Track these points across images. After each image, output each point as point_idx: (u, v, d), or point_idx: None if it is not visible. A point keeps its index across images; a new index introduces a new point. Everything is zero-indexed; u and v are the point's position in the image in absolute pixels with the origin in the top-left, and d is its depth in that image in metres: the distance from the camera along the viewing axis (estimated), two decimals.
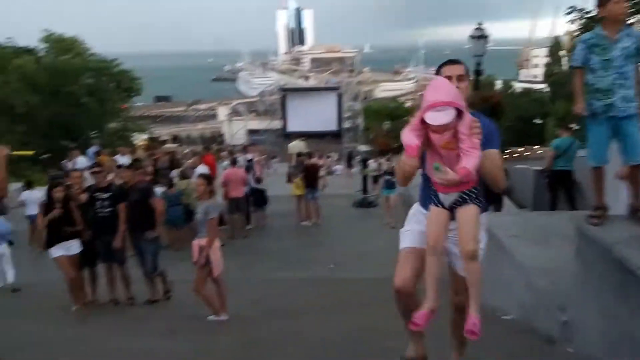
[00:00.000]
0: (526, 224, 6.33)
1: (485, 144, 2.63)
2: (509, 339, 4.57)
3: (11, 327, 5.09)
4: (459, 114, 2.42)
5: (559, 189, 9.30)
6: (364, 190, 15.16)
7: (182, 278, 5.55)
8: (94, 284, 6.67)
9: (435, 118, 2.34)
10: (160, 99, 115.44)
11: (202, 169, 10.93)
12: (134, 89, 36.86)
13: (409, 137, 2.49)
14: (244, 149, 13.43)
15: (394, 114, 57.12)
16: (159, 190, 9.38)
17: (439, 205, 2.61)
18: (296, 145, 14.00)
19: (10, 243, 7.79)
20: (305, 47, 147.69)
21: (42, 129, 28.44)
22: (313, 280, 7.95)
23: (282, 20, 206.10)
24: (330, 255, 8.91)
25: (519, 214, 8.31)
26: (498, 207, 8.97)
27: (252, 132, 62.74)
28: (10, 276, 7.66)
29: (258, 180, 11.59)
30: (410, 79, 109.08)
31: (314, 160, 12.12)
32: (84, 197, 6.33)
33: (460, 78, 2.89)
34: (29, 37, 32.79)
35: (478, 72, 12.54)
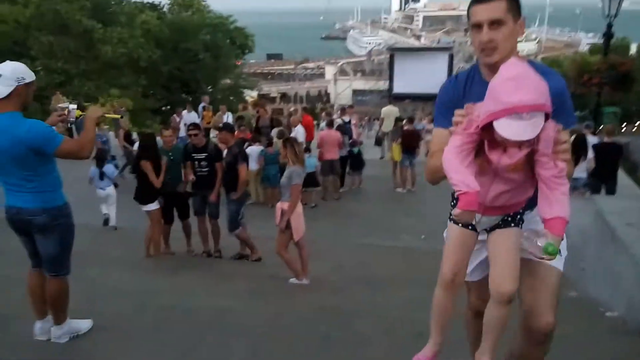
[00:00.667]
0: None
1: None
2: (611, 340, 4.10)
3: (104, 274, 5.47)
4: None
5: None
6: None
7: (273, 235, 5.62)
8: (188, 237, 7.02)
9: (518, 131, 1.57)
10: (271, 56, 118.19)
11: (300, 129, 11.00)
12: (247, 46, 38.11)
13: (462, 168, 1.73)
14: (342, 110, 13.25)
15: None
16: (257, 149, 9.59)
17: (468, 226, 1.97)
18: (390, 110, 13.52)
19: (116, 185, 8.41)
20: (419, 5, 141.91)
21: (162, 82, 30.51)
22: (402, 249, 7.75)
23: None
24: (423, 224, 8.59)
25: (638, 199, 7.37)
26: (612, 187, 8.06)
27: (357, 92, 62.30)
28: (113, 218, 8.36)
29: (354, 143, 11.44)
30: (532, 40, 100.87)
31: (412, 125, 11.65)
32: (164, 161, 6.55)
33: (496, 23, 1.90)
34: None
35: (609, 36, 11.13)
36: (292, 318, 4.30)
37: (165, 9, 34.67)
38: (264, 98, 70.98)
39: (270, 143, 9.99)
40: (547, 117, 1.62)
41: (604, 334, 4.26)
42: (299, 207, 5.35)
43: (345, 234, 8.55)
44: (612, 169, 8.32)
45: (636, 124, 27.69)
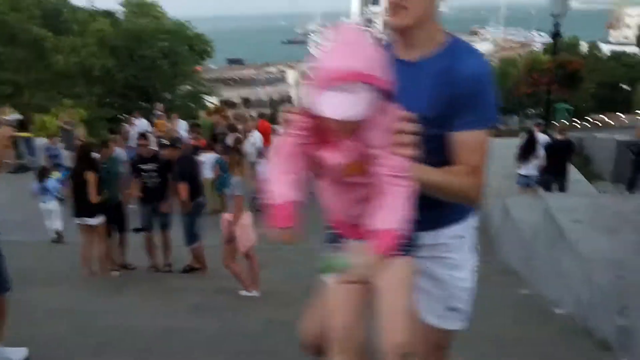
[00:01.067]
0: (594, 209, 5.66)
1: (461, 116, 1.48)
2: (559, 339, 4.10)
3: (44, 293, 5.22)
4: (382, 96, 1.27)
5: None
6: None
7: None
8: (124, 250, 6.76)
9: (337, 106, 1.21)
10: (232, 61, 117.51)
11: (257, 135, 10.84)
12: (206, 52, 37.65)
13: (282, 176, 1.37)
14: None
15: None
16: (212, 156, 9.39)
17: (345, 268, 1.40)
18: None
19: (60, 199, 8.07)
20: (378, 9, 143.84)
21: (119, 91, 29.78)
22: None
23: None
24: None
25: (587, 196, 7.53)
26: (562, 183, 8.22)
27: None
28: (58, 225, 8.00)
29: None
30: (487, 40, 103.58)
31: None
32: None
33: None
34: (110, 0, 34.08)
35: (556, 34, 11.40)
36: (238, 333, 4.15)
37: (120, 16, 33.97)
38: (226, 104, 70.74)
39: (226, 150, 9.79)
40: (385, 97, 1.28)
41: (553, 332, 4.27)
42: (246, 218, 5.20)
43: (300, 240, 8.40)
44: (563, 166, 8.48)
45: (590, 120, 28.62)
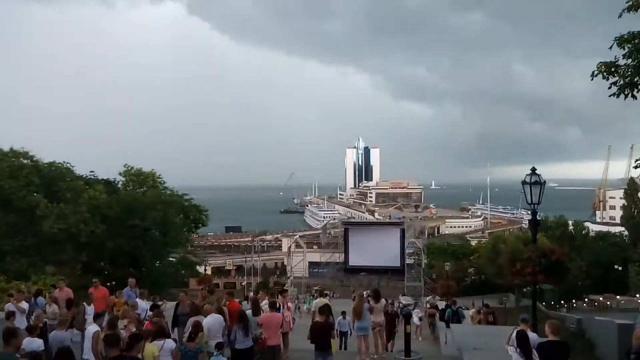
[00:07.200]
0: None
1: None
2: None
3: None
4: None
5: None
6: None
7: None
8: None
9: None
10: (230, 229, 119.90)
11: (214, 318, 9.68)
12: (201, 220, 38.25)
13: None
14: (282, 292, 12.50)
15: (459, 252, 54.88)
16: (169, 343, 8.55)
17: None
18: (318, 304, 11.90)
19: None
20: (371, 183, 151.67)
21: (107, 257, 29.44)
22: None
23: (351, 158, 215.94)
24: None
25: None
26: None
27: (312, 264, 62.04)
28: None
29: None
30: (478, 217, 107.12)
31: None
32: None
33: None
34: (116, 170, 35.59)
35: (536, 223, 11.38)
36: None
37: (120, 185, 35.22)
38: (217, 272, 69.86)
39: (191, 336, 8.89)
40: None
41: None
42: None
43: None
44: None
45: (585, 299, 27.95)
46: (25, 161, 28.10)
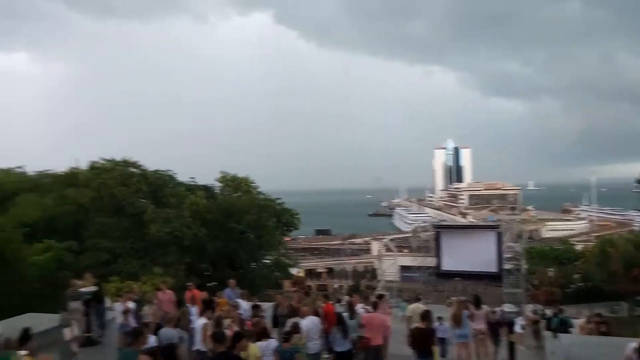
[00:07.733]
0: None
1: None
2: None
3: None
4: None
5: None
6: None
7: None
8: None
9: None
10: (320, 232, 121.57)
11: (312, 320, 9.76)
12: (293, 223, 39.22)
13: None
14: (379, 297, 12.25)
15: (563, 256, 51.40)
16: (268, 344, 8.70)
17: None
18: (415, 309, 11.63)
19: None
20: (462, 185, 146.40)
21: (208, 259, 31.08)
22: None
23: (440, 159, 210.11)
24: None
25: None
26: None
27: (404, 268, 60.97)
28: None
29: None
30: (582, 219, 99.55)
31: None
32: None
33: None
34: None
35: None
36: None
37: (218, 190, 37.04)
38: (310, 274, 70.88)
39: (286, 337, 9.02)
40: None
41: None
42: None
43: None
44: None
45: None
46: (134, 170, 30.44)
